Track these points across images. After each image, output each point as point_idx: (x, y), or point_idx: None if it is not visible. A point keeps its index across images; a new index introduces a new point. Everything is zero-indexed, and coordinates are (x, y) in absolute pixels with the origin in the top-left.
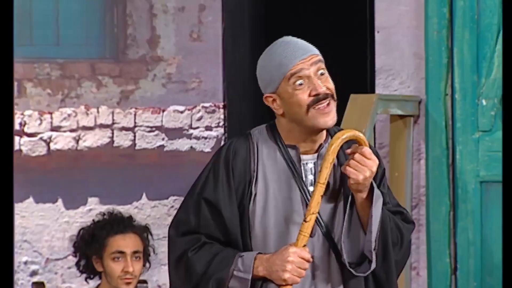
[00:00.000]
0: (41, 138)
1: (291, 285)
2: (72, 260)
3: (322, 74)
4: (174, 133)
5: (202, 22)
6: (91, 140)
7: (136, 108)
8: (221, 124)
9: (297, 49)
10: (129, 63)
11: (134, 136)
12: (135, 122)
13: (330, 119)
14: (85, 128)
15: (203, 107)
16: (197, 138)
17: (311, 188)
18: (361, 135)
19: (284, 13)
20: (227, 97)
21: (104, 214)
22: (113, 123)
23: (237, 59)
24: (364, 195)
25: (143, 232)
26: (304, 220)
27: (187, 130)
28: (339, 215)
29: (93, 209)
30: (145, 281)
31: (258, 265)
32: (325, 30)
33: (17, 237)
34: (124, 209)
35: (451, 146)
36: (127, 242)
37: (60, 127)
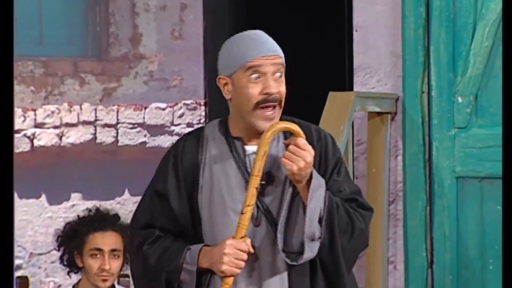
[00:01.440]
0: (24, 135)
1: (230, 276)
2: (56, 254)
3: (279, 76)
4: (156, 129)
5: (184, 20)
6: (74, 136)
7: (118, 105)
8: (202, 121)
9: (264, 45)
10: (112, 61)
11: (117, 133)
12: (117, 119)
13: (269, 124)
14: (68, 125)
15: (184, 104)
16: (179, 134)
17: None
18: (294, 126)
19: (264, 12)
20: (208, 94)
21: (90, 210)
22: (95, 120)
23: (218, 57)
24: (303, 184)
25: (125, 230)
26: (241, 212)
27: (169, 126)
28: (284, 204)
29: (76, 205)
30: (127, 275)
31: (202, 257)
32: (304, 29)
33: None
34: (107, 205)
35: (428, 142)
36: (105, 240)
37: (43, 123)
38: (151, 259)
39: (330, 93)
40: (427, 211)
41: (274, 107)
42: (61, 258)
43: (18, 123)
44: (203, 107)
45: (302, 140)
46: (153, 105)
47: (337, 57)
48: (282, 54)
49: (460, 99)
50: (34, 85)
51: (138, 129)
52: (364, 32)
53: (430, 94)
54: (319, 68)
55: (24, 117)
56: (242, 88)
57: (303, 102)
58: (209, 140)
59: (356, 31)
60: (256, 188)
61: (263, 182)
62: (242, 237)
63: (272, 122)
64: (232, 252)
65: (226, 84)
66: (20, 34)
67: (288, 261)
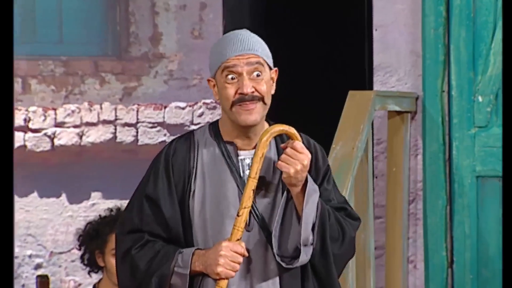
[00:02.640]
0: (45, 134)
1: (225, 278)
2: (76, 253)
3: (258, 75)
4: (175, 129)
5: (203, 19)
6: (94, 135)
7: (138, 105)
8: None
9: (238, 44)
10: (132, 60)
11: (137, 132)
12: (137, 118)
13: (251, 117)
14: (89, 124)
15: (204, 103)
16: None
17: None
18: (291, 129)
19: (283, 11)
20: None
21: (111, 210)
22: (116, 119)
23: None
24: (298, 189)
25: None
26: (237, 215)
27: (189, 126)
28: (277, 210)
29: (96, 204)
30: None
31: (195, 260)
32: (324, 28)
33: (21, 231)
34: (126, 204)
35: (448, 141)
36: None
37: (64, 123)
38: (141, 263)
39: (350, 92)
40: (447, 210)
41: (253, 103)
42: (81, 257)
43: (38, 122)
44: None
45: (299, 143)
46: (173, 104)
47: (357, 56)
48: (261, 53)
49: (480, 98)
50: (54, 85)
51: (158, 128)
52: (384, 31)
53: (450, 93)
54: (339, 67)
55: (45, 116)
56: (221, 89)
57: (323, 101)
58: (200, 144)
59: (376, 30)
60: (253, 190)
61: (256, 187)
62: (238, 239)
63: (253, 115)
64: (228, 254)
65: (214, 85)
66: (40, 34)
67: (284, 264)
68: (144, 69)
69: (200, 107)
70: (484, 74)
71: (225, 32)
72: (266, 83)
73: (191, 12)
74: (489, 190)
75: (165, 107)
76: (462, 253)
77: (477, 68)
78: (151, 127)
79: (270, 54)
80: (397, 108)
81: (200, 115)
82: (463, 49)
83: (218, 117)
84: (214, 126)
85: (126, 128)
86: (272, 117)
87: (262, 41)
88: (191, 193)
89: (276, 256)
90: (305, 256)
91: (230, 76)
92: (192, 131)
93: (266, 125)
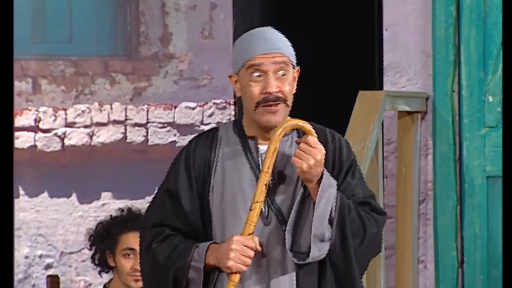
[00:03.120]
0: (55, 134)
1: (236, 273)
2: (86, 253)
3: (283, 74)
4: (185, 129)
5: (213, 20)
6: (105, 136)
7: (148, 105)
8: (231, 120)
9: (265, 42)
10: (142, 60)
11: (147, 132)
12: (147, 118)
13: (274, 118)
14: (99, 124)
15: (214, 103)
16: None
17: (270, 177)
18: (305, 124)
19: (293, 11)
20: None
21: (122, 210)
22: (126, 119)
23: None
24: (314, 184)
25: None
26: (250, 209)
27: (199, 126)
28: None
29: (106, 204)
30: None
31: (210, 254)
32: (334, 27)
33: (32, 231)
34: (137, 204)
35: (458, 141)
36: (138, 240)
37: (74, 123)
38: (160, 257)
39: (360, 92)
40: (458, 210)
41: (277, 104)
42: (92, 257)
43: (49, 123)
44: (232, 106)
45: (312, 138)
46: (183, 104)
47: (367, 56)
48: (287, 52)
49: (490, 98)
50: (64, 85)
51: (168, 128)
52: (394, 31)
53: (461, 93)
54: (349, 67)
55: (55, 116)
56: (245, 87)
57: (333, 101)
58: (222, 140)
59: (386, 30)
60: (266, 184)
61: (274, 181)
62: (250, 233)
63: (276, 117)
64: (238, 248)
65: (236, 82)
66: (51, 34)
67: (295, 260)
68: (154, 69)
69: (210, 107)
70: (495, 74)
71: (235, 32)
72: (290, 83)
73: (201, 12)
74: (499, 190)
75: (175, 107)
76: (473, 253)
77: (487, 68)
78: (161, 127)
79: (294, 53)
80: (407, 108)
81: (210, 115)
82: (473, 49)
83: (228, 117)
84: (237, 122)
85: (136, 128)
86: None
87: (287, 40)
88: (211, 187)
89: (288, 252)
90: (317, 252)
91: (255, 74)
92: (217, 127)
93: None
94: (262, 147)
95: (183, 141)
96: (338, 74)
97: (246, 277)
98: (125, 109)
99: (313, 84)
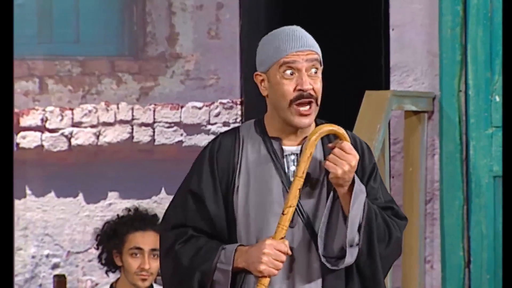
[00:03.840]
0: (62, 134)
1: (267, 276)
2: (93, 253)
3: (315, 72)
4: (192, 129)
5: (220, 19)
6: (111, 135)
7: (155, 105)
8: (238, 120)
9: (298, 40)
10: (148, 60)
11: (153, 132)
12: (154, 118)
13: (306, 120)
14: (105, 124)
15: (220, 103)
16: (215, 133)
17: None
18: (340, 129)
19: (300, 10)
20: (244, 93)
21: (129, 210)
22: (132, 119)
23: (254, 56)
24: (345, 189)
25: None
26: (282, 213)
27: (205, 126)
28: (322, 208)
29: (113, 204)
30: None
31: (238, 257)
32: (340, 27)
33: (38, 230)
34: (143, 204)
35: (465, 141)
36: (146, 239)
37: (80, 123)
38: (183, 258)
39: (366, 92)
40: (464, 210)
41: (310, 103)
42: (99, 257)
43: (55, 122)
44: (239, 106)
45: (348, 144)
46: (190, 104)
47: (374, 55)
48: (318, 50)
49: (497, 98)
50: (71, 85)
51: (175, 128)
52: (400, 30)
53: (467, 93)
54: (356, 67)
55: (62, 116)
56: (276, 85)
57: (340, 101)
58: (245, 140)
59: (392, 29)
60: (299, 189)
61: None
62: (282, 238)
63: (308, 119)
64: (272, 253)
65: (262, 80)
66: (57, 33)
67: (329, 265)
68: (160, 69)
69: (217, 107)
70: (501, 73)
71: (241, 32)
72: (320, 81)
73: (208, 12)
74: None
75: (182, 107)
76: (479, 253)
77: (494, 67)
78: (168, 127)
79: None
80: (414, 108)
81: (217, 115)
82: (480, 49)
83: (235, 117)
84: (259, 122)
85: (143, 128)
86: None
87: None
88: (235, 189)
89: (322, 257)
90: (350, 258)
91: (288, 72)
92: (238, 127)
93: (313, 122)
94: (287, 148)
95: (190, 141)
96: (345, 74)
97: (272, 281)
98: (132, 109)
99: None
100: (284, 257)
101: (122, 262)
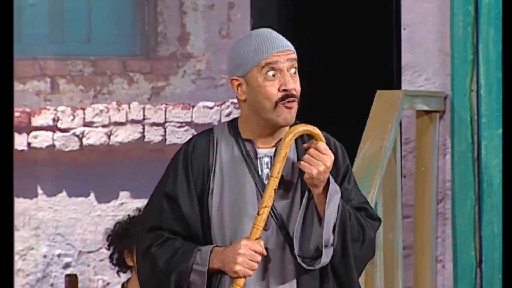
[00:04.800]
0: (73, 134)
1: (242, 277)
2: (104, 253)
3: (294, 72)
4: (203, 128)
5: (231, 19)
6: (123, 135)
7: (166, 104)
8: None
9: (277, 41)
10: (160, 60)
11: (165, 132)
12: (165, 118)
13: (290, 116)
14: (117, 123)
15: (232, 103)
16: None
17: (267, 182)
18: (315, 129)
19: (311, 10)
20: None
21: (140, 210)
22: (144, 119)
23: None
24: (320, 190)
25: None
26: (257, 213)
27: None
28: (296, 209)
29: (124, 203)
30: None
31: (214, 257)
32: (352, 27)
33: (50, 230)
34: None
35: (477, 141)
36: None
37: (92, 122)
38: (160, 261)
39: (378, 91)
40: (476, 209)
41: (293, 101)
42: (110, 257)
43: (67, 122)
44: None
45: (323, 144)
46: (201, 104)
47: (385, 55)
48: (294, 49)
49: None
50: (83, 84)
51: (186, 127)
52: (412, 30)
53: (479, 92)
54: (367, 66)
55: (73, 116)
56: (259, 88)
57: (351, 101)
58: (219, 142)
59: (404, 29)
60: (274, 189)
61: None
62: (257, 238)
63: (291, 114)
64: (247, 253)
65: (240, 85)
66: (69, 33)
67: (305, 265)
68: (172, 68)
69: (228, 106)
70: None
71: None
72: (299, 81)
73: (219, 12)
74: None
75: (193, 107)
76: (491, 253)
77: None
78: (179, 127)
79: None
80: (426, 108)
81: (228, 115)
82: (491, 48)
83: None
84: (233, 124)
85: (154, 127)
86: (300, 117)
87: None
88: (210, 190)
89: (297, 257)
90: (326, 258)
91: (270, 73)
92: (212, 128)
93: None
94: (261, 151)
95: None
96: (356, 74)
97: (247, 282)
98: (143, 108)
99: (331, 83)
100: (259, 258)
101: (134, 262)
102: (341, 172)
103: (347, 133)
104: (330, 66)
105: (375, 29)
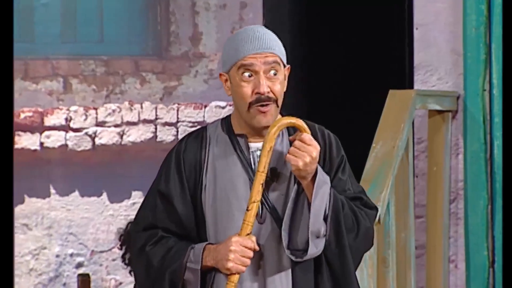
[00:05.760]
0: (86, 133)
1: (235, 273)
2: (117, 252)
3: (274, 74)
4: None
5: (243, 19)
6: (135, 135)
7: (178, 104)
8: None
9: (256, 41)
10: (172, 59)
11: (177, 131)
12: (177, 118)
13: (265, 119)
14: (129, 123)
15: None
16: None
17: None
18: (299, 121)
19: (323, 10)
20: None
21: None
22: (156, 119)
23: None
24: (308, 181)
25: None
26: (247, 209)
27: None
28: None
29: (136, 203)
30: None
31: (206, 255)
32: (364, 26)
33: (62, 229)
34: None
35: (489, 140)
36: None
37: (104, 122)
38: (154, 259)
39: (390, 91)
40: (489, 209)
41: (268, 105)
42: (123, 257)
43: (79, 122)
44: None
45: (307, 135)
46: (213, 103)
47: (398, 55)
48: (278, 51)
49: None
50: (95, 84)
51: (198, 127)
52: (424, 30)
53: (492, 92)
54: (380, 66)
55: (86, 115)
56: (236, 86)
57: (363, 100)
58: (211, 139)
59: (416, 29)
60: (262, 184)
61: (268, 179)
62: (248, 234)
63: (266, 117)
64: (238, 249)
65: (226, 80)
66: (81, 33)
67: (293, 258)
68: (184, 68)
69: None
70: None
71: None
72: (281, 83)
73: (231, 12)
74: None
75: (205, 106)
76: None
77: None
78: (191, 126)
79: (284, 52)
80: (438, 107)
81: None
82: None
83: None
84: (226, 120)
85: (167, 127)
86: (313, 116)
87: (277, 39)
88: (203, 187)
89: (286, 250)
90: (314, 249)
91: (246, 74)
92: (205, 126)
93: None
94: (253, 145)
95: None
96: (369, 73)
97: (242, 276)
98: (156, 108)
99: (344, 83)
100: (251, 253)
101: None
102: (335, 163)
103: (359, 132)
104: (342, 66)
105: (388, 29)
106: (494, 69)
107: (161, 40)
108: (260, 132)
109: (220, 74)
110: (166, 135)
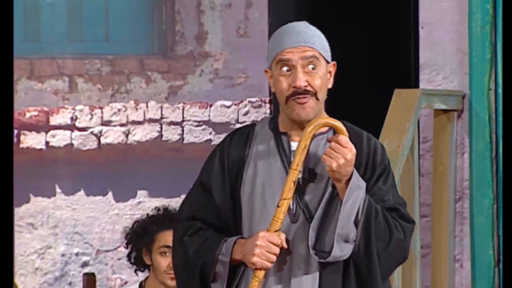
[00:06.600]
0: (91, 133)
1: (260, 269)
2: (123, 251)
3: (313, 68)
4: (221, 127)
5: (249, 18)
6: (140, 134)
7: (184, 103)
8: (269, 116)
9: (294, 36)
10: (177, 59)
11: (182, 131)
12: (183, 117)
13: (303, 111)
14: (135, 122)
15: (249, 102)
16: None
17: (300, 174)
18: (336, 122)
19: (329, 9)
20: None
21: (159, 209)
22: (161, 118)
23: None
24: (342, 184)
25: None
26: (277, 205)
27: (234, 124)
28: None
29: (142, 202)
30: None
31: (236, 249)
32: (369, 25)
33: (68, 229)
34: (172, 202)
35: (495, 140)
36: None
37: (110, 121)
38: (190, 250)
39: (396, 90)
40: (494, 209)
41: (305, 97)
42: (128, 255)
43: (85, 121)
44: (268, 105)
45: (343, 137)
46: (218, 103)
47: (403, 54)
48: (318, 46)
49: None
50: (101, 83)
51: (204, 126)
52: (430, 28)
53: (497, 91)
54: (385, 65)
55: (91, 115)
56: (275, 81)
57: (369, 100)
58: (257, 136)
59: (422, 27)
60: (294, 182)
61: (305, 179)
62: (276, 230)
63: (305, 110)
64: (264, 245)
65: (270, 77)
66: (87, 32)
67: (317, 258)
68: (189, 67)
69: (246, 105)
70: None
71: (270, 30)
72: (321, 77)
73: (237, 11)
74: None
75: (211, 106)
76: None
77: None
78: (197, 126)
79: (328, 48)
80: (443, 107)
81: (246, 114)
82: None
83: (263, 116)
84: (274, 118)
85: (172, 126)
86: None
87: (320, 33)
88: (242, 182)
89: (311, 249)
90: (339, 252)
91: (284, 69)
92: (254, 123)
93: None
94: (295, 144)
95: (219, 139)
96: (374, 72)
97: (269, 274)
98: (161, 107)
99: (349, 82)
100: (277, 250)
101: (152, 261)
102: (377, 171)
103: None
104: (347, 65)
105: (393, 28)
106: (500, 68)
107: (166, 40)
108: (301, 129)
109: (266, 71)
110: (172, 134)
